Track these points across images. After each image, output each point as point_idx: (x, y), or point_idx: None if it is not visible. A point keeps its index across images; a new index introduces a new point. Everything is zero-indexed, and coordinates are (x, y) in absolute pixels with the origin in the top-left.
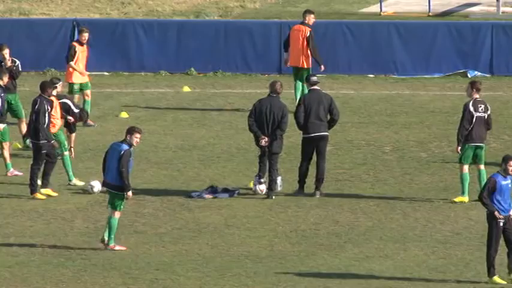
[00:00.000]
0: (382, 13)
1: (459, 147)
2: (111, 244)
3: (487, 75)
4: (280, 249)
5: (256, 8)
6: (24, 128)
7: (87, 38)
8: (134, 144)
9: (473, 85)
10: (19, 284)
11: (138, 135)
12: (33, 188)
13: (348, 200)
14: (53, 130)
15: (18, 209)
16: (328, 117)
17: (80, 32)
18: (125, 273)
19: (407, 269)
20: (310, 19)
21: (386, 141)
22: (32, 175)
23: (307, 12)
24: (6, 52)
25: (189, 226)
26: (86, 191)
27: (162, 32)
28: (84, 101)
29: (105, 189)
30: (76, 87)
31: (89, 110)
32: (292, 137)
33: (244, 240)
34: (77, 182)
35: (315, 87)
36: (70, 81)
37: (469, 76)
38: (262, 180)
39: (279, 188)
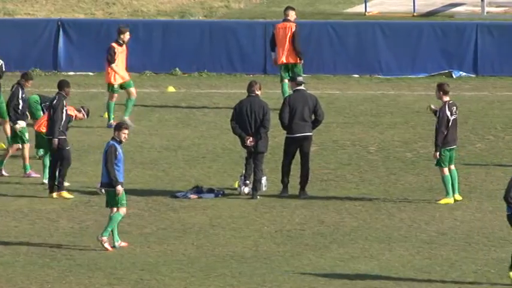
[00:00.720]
0: (367, 13)
1: (437, 153)
2: (104, 237)
3: (472, 75)
4: (265, 250)
5: (241, 8)
6: (8, 128)
7: (127, 38)
8: (122, 140)
9: (441, 87)
10: (4, 284)
11: (125, 131)
12: (60, 186)
13: (333, 200)
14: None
15: (3, 209)
16: (313, 117)
17: (120, 33)
18: (110, 274)
19: (392, 269)
20: (293, 15)
21: (372, 141)
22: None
23: (289, 8)
24: None
25: (174, 226)
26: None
27: (147, 32)
28: (129, 99)
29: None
30: (116, 87)
31: (130, 109)
32: (278, 137)
33: (229, 240)
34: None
35: (301, 87)
36: (110, 82)
37: (454, 76)
38: (247, 181)
39: (264, 189)
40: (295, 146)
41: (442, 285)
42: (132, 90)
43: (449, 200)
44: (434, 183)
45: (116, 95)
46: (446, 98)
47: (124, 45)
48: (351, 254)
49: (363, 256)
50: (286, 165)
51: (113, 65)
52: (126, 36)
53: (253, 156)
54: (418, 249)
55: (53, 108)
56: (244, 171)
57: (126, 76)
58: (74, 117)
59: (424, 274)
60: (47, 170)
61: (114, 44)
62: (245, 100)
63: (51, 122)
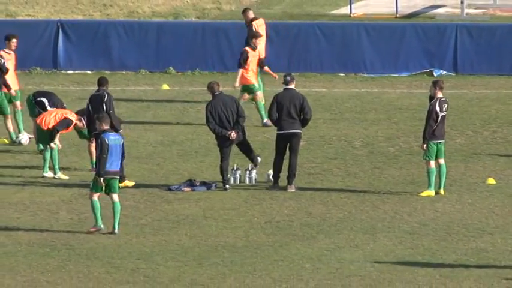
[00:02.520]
0: (352, 15)
1: (425, 145)
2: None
3: (452, 74)
4: (255, 240)
5: (232, 9)
6: (10, 124)
7: (258, 43)
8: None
9: (437, 84)
10: (6, 272)
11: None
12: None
13: (320, 192)
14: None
15: (5, 201)
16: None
17: (253, 37)
18: (108, 263)
19: (376, 258)
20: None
21: (357, 136)
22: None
23: (248, 9)
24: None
25: (169, 218)
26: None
27: (142, 32)
28: (256, 102)
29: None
30: (251, 88)
31: (262, 111)
32: (267, 132)
33: (221, 231)
34: (50, 174)
35: (289, 86)
36: (244, 84)
37: (435, 75)
38: (227, 186)
39: (254, 182)
40: (284, 143)
41: (423, 274)
42: (259, 93)
43: (431, 193)
44: (416, 177)
45: (246, 95)
46: (439, 95)
47: (257, 50)
48: (336, 244)
49: (348, 246)
50: (277, 161)
51: (242, 69)
52: (259, 41)
53: (240, 147)
54: (401, 239)
55: (105, 104)
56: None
57: (255, 79)
58: (73, 124)
59: (407, 263)
60: (47, 164)
61: (248, 49)
62: (215, 100)
63: (111, 119)
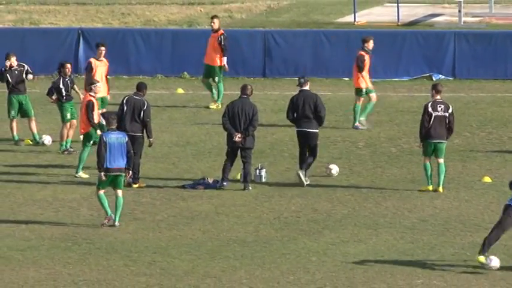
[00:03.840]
0: (356, 23)
1: (421, 143)
2: (118, 221)
3: (450, 79)
4: (264, 235)
5: (243, 18)
6: (34, 126)
7: (371, 46)
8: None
9: (434, 87)
10: (31, 265)
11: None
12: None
13: (326, 190)
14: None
15: (29, 198)
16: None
17: (366, 41)
18: (126, 256)
19: (378, 252)
20: (214, 24)
21: (360, 137)
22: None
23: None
24: (13, 60)
25: (183, 214)
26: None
27: (158, 39)
28: (369, 103)
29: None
30: (363, 91)
31: (367, 112)
32: (276, 133)
33: (232, 226)
34: (82, 174)
35: (304, 87)
36: (358, 86)
37: (434, 79)
38: (225, 183)
39: (264, 180)
40: (302, 139)
41: (423, 267)
42: (374, 95)
43: (427, 187)
44: (416, 175)
45: (362, 99)
46: (436, 97)
47: (370, 54)
48: (341, 239)
49: (352, 240)
50: (301, 155)
51: (363, 72)
52: (371, 45)
53: (242, 152)
54: (402, 234)
55: (143, 112)
56: (223, 167)
57: (369, 82)
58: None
59: (407, 257)
60: (81, 165)
61: (363, 53)
62: (237, 101)
63: (146, 127)
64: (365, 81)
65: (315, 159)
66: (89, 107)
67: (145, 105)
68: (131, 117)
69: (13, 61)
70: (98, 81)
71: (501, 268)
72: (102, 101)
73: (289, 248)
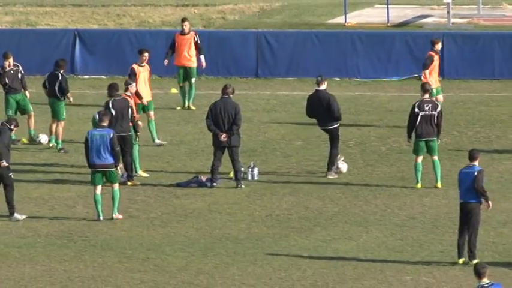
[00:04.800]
0: (346, 24)
1: (409, 139)
2: (117, 213)
3: (439, 79)
4: (257, 232)
5: (235, 19)
6: (32, 122)
7: (440, 47)
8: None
9: (422, 86)
10: (27, 262)
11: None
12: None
13: (317, 188)
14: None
15: (26, 196)
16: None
17: (435, 43)
18: (120, 253)
19: (368, 249)
20: (186, 26)
21: (351, 136)
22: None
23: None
24: (11, 60)
25: (177, 211)
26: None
27: (153, 40)
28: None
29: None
30: (433, 90)
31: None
32: (268, 132)
33: (225, 223)
34: (142, 173)
35: (319, 87)
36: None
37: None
38: (214, 183)
39: (256, 178)
40: (325, 134)
41: (412, 263)
42: (440, 96)
43: (417, 185)
44: (406, 173)
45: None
46: (425, 96)
47: (439, 55)
48: (332, 236)
49: (343, 237)
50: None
51: (426, 71)
52: (439, 46)
53: (229, 151)
54: (392, 232)
55: (131, 108)
56: (212, 166)
57: (437, 82)
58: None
59: (397, 253)
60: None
61: (433, 53)
62: (219, 101)
63: (135, 123)
64: (433, 80)
65: (337, 150)
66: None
67: (130, 103)
68: (120, 118)
69: (10, 61)
70: (133, 82)
71: (490, 265)
72: (148, 104)
73: (280, 245)
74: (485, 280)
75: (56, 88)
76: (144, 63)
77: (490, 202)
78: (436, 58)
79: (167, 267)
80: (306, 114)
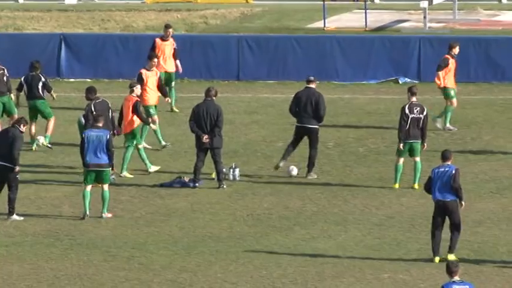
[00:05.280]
0: (325, 28)
1: (401, 144)
2: (106, 212)
3: (416, 82)
4: (238, 231)
5: (217, 24)
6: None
7: (457, 51)
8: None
9: (410, 90)
10: (14, 261)
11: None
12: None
13: (297, 188)
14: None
15: None
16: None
17: (453, 47)
18: (106, 252)
19: (347, 247)
20: (169, 32)
21: (330, 138)
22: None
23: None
24: None
25: (161, 211)
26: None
27: (137, 44)
28: (448, 107)
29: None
30: (451, 91)
31: (448, 117)
32: (249, 134)
33: (207, 223)
34: (127, 174)
35: (310, 85)
36: (445, 86)
37: (400, 82)
38: (197, 184)
39: (238, 178)
40: (300, 133)
41: (390, 261)
42: (454, 100)
43: (395, 185)
44: (384, 174)
45: (453, 100)
46: (412, 99)
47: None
48: (311, 235)
49: (322, 236)
50: (289, 146)
51: (440, 73)
52: (457, 50)
53: (211, 153)
54: (370, 230)
55: (110, 109)
56: (194, 167)
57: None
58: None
59: (375, 252)
60: (125, 164)
61: (448, 56)
62: (202, 104)
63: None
64: (449, 83)
65: (316, 151)
66: (136, 107)
67: (109, 104)
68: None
69: None
70: (137, 84)
71: (465, 262)
72: (155, 107)
73: (261, 244)
74: (456, 278)
75: (40, 88)
76: (153, 68)
77: (463, 202)
78: (452, 62)
79: (151, 265)
80: (289, 110)
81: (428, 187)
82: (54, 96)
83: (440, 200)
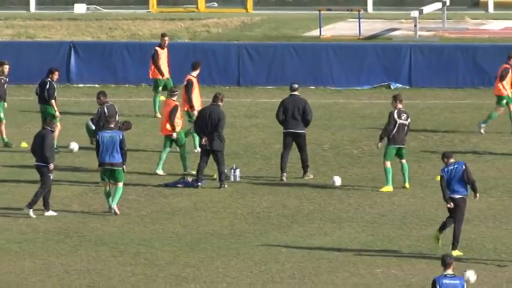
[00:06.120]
0: (321, 37)
1: (380, 144)
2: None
3: (407, 87)
4: (239, 228)
5: (219, 32)
6: (3, 129)
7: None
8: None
9: (397, 97)
10: (27, 256)
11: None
12: None
13: (294, 188)
14: (178, 129)
15: (26, 195)
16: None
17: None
18: (113, 248)
19: (342, 244)
20: (166, 41)
21: (325, 140)
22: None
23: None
24: (6, 67)
25: (165, 209)
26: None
27: (143, 51)
28: (493, 113)
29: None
30: (504, 100)
31: (490, 119)
32: (249, 137)
33: (209, 221)
34: (160, 172)
35: (294, 92)
36: (500, 94)
37: (392, 87)
38: (199, 183)
39: (238, 179)
40: (289, 139)
41: (382, 257)
42: None
43: (389, 188)
44: (376, 175)
45: (502, 108)
46: (399, 106)
47: None
48: (308, 232)
49: (318, 233)
50: (283, 155)
51: (504, 83)
52: None
53: (213, 155)
54: (363, 228)
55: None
56: (197, 167)
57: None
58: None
59: (368, 248)
60: (161, 163)
61: (507, 66)
62: (207, 108)
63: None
64: (506, 91)
65: (307, 154)
66: (173, 112)
67: (116, 108)
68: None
69: (6, 69)
70: (177, 90)
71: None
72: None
73: (261, 241)
74: (449, 271)
75: (45, 94)
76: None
77: (477, 194)
78: (510, 71)
79: (156, 260)
80: (276, 118)
81: (445, 186)
82: (55, 108)
83: (451, 197)
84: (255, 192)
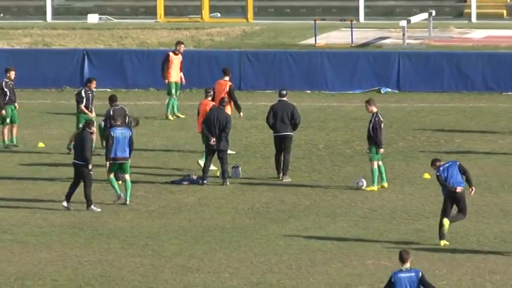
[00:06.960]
0: (316, 44)
1: (381, 150)
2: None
3: (396, 91)
4: (240, 222)
5: (222, 40)
6: (15, 131)
7: None
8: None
9: (371, 101)
10: (43, 248)
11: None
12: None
13: (291, 185)
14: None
15: (42, 192)
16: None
17: None
18: (123, 240)
19: (336, 237)
20: (182, 48)
21: (320, 140)
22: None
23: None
24: (13, 73)
25: (172, 205)
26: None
27: (151, 58)
28: None
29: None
30: None
31: None
32: (249, 138)
33: (213, 215)
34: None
35: (283, 98)
36: None
37: (382, 92)
38: (205, 181)
39: (239, 176)
40: (279, 142)
41: (373, 249)
42: None
43: (374, 188)
44: (367, 173)
45: None
46: (375, 109)
47: None
48: (304, 226)
49: (314, 227)
50: (277, 157)
51: None
52: None
53: (218, 154)
54: (356, 222)
55: (128, 117)
56: (203, 166)
57: None
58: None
59: (360, 241)
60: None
61: None
62: (214, 110)
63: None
64: None
65: (290, 157)
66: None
67: (127, 111)
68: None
69: (12, 75)
70: (211, 91)
71: (439, 250)
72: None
73: (260, 234)
74: (407, 265)
75: (76, 100)
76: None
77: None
78: None
79: (163, 252)
80: (266, 122)
81: (444, 180)
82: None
83: (454, 189)
84: (255, 189)
